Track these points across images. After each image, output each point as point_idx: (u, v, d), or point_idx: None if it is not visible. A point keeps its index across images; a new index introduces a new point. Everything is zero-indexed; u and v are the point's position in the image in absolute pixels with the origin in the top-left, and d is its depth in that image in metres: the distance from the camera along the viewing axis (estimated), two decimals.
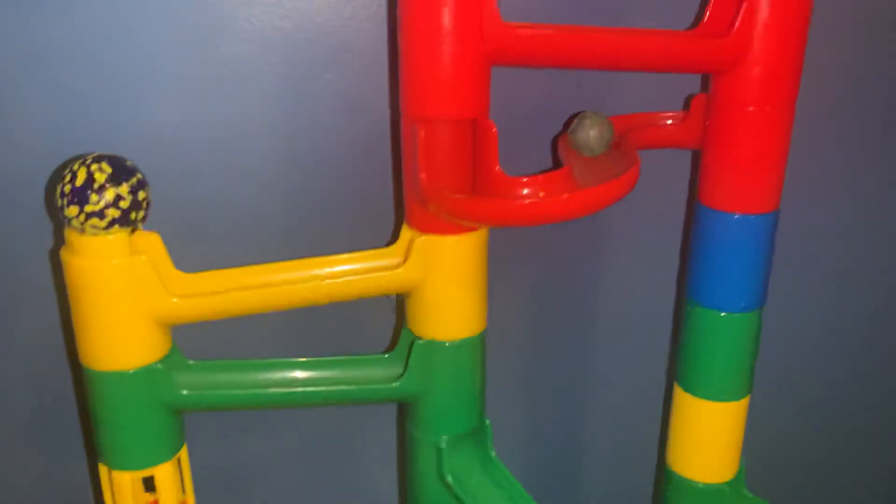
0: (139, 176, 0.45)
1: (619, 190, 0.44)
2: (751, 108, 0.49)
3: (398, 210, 0.59)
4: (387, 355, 0.54)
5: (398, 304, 0.60)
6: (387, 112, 0.57)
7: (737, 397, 0.56)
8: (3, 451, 0.62)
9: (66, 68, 0.51)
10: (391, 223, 0.59)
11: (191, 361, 0.51)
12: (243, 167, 0.56)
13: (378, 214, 0.59)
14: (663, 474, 0.61)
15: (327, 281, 0.49)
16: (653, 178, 0.60)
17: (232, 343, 0.59)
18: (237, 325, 0.59)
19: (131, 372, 0.47)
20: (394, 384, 0.51)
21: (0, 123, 0.51)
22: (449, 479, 0.52)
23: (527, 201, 0.42)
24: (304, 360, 0.52)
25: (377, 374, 0.52)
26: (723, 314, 0.54)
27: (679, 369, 0.57)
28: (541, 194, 0.43)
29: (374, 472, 0.69)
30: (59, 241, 0.47)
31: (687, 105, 0.54)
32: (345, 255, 0.50)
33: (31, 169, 0.52)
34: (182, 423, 0.51)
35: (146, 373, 0.47)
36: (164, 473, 0.50)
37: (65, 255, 0.45)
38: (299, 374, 0.52)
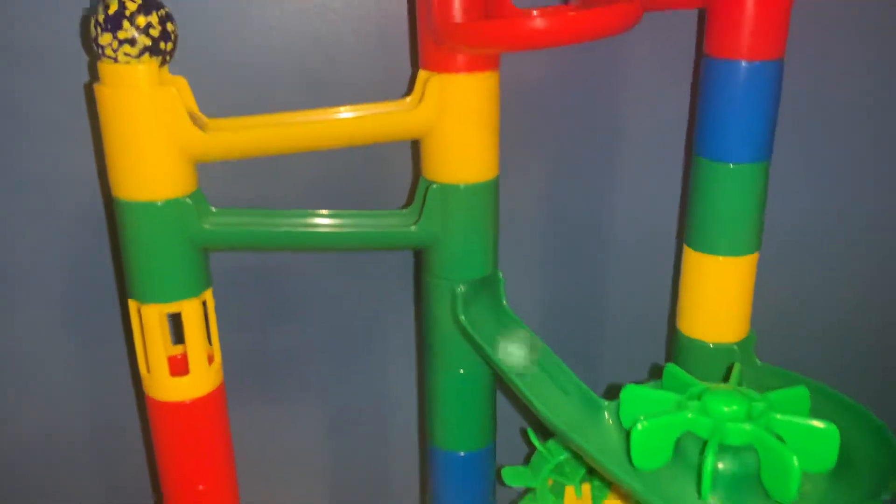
0: (167, 9, 0.48)
1: (627, 14, 0.45)
2: None
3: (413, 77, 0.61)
4: (405, 210, 0.56)
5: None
6: None
7: (745, 252, 0.57)
8: (41, 318, 0.65)
9: None
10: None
11: (215, 209, 0.53)
12: (258, 30, 0.58)
13: (394, 84, 0.61)
14: (674, 340, 0.62)
15: (346, 120, 0.51)
16: (660, 40, 0.62)
17: (254, 205, 0.61)
18: (259, 187, 0.62)
19: (160, 203, 0.49)
20: (411, 228, 0.53)
21: None
22: (462, 318, 0.54)
23: (537, 20, 0.44)
24: (326, 210, 0.55)
25: (395, 221, 0.54)
26: (731, 166, 0.55)
27: (688, 229, 0.59)
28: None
29: (393, 363, 0.71)
30: (94, 78, 0.49)
31: None
32: (363, 104, 0.53)
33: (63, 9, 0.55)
34: (208, 266, 0.54)
35: (174, 205, 0.50)
36: (190, 310, 0.52)
37: (98, 87, 0.48)
38: (321, 220, 0.54)
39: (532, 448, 0.62)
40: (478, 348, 0.55)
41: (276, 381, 0.71)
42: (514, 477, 0.60)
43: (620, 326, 0.70)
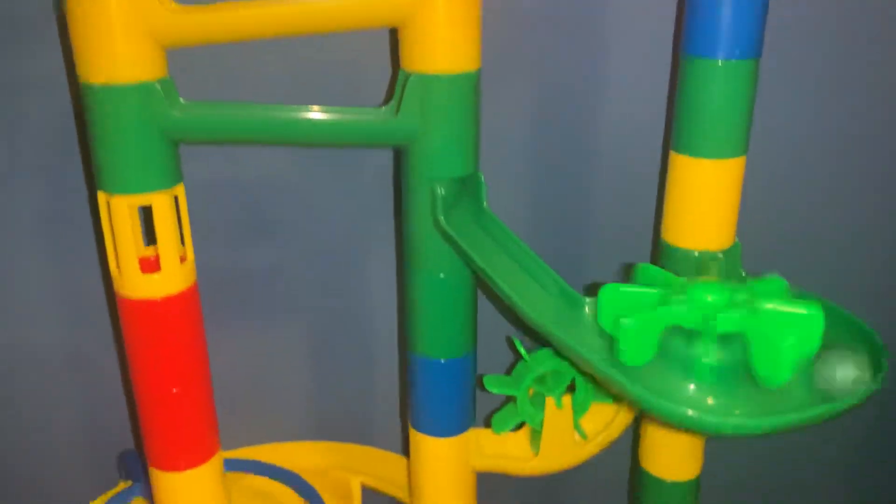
0: None
1: None
2: None
3: None
4: (384, 108, 0.54)
5: None
6: None
7: (733, 154, 0.55)
8: (12, 226, 0.63)
9: None
10: None
11: (185, 101, 0.51)
12: None
13: None
14: (658, 249, 0.61)
15: (321, 2, 0.49)
16: None
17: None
18: (229, 87, 0.61)
19: (128, 86, 0.48)
20: (390, 121, 0.52)
21: None
22: (442, 219, 0.53)
23: None
24: (302, 105, 0.53)
25: (373, 116, 0.53)
26: (720, 63, 0.53)
27: (674, 132, 0.57)
28: None
29: (374, 274, 0.70)
30: None
31: None
32: None
33: None
34: (179, 161, 0.52)
35: (142, 90, 0.48)
36: (161, 203, 0.51)
37: None
38: (296, 113, 0.52)
39: (515, 358, 0.61)
40: (458, 251, 0.54)
41: (255, 294, 0.70)
42: (495, 384, 0.59)
43: (605, 235, 0.69)
